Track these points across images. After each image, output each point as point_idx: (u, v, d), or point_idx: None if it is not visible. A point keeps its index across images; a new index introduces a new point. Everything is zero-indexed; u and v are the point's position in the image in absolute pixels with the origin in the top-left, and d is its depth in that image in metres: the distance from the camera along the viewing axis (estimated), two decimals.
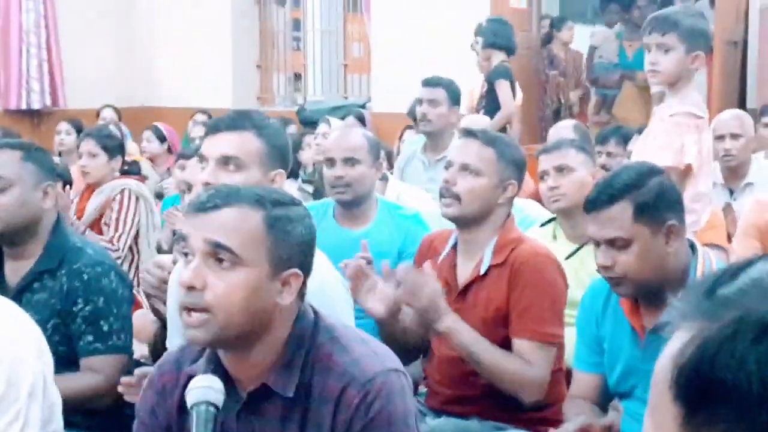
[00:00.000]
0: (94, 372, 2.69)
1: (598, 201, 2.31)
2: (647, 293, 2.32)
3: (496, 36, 6.52)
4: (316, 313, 1.83)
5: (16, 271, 2.75)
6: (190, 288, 1.69)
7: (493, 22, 6.74)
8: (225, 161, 2.37)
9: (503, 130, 5.92)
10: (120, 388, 2.34)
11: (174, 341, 2.54)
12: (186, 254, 1.73)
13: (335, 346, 1.78)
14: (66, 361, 2.61)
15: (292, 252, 1.75)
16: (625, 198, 2.28)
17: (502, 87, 6.29)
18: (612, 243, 2.29)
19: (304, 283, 1.78)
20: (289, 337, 1.77)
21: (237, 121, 2.41)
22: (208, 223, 1.71)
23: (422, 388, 3.11)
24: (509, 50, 6.53)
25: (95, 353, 2.70)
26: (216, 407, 1.66)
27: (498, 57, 6.43)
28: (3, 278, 2.76)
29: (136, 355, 2.98)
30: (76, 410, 2.51)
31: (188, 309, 1.70)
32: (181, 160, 5.29)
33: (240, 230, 1.70)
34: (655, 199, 2.29)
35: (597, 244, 2.33)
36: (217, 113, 8.86)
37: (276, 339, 1.76)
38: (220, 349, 1.77)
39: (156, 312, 2.68)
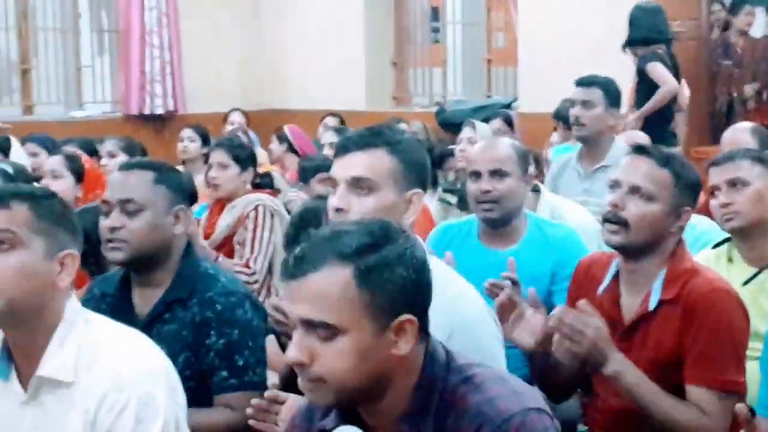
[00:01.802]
0: (229, 409, 2.74)
1: None
2: None
3: (639, 30, 6.43)
4: (448, 352, 1.85)
5: (145, 300, 2.82)
6: (300, 365, 1.74)
7: (638, 11, 6.64)
8: (356, 183, 2.40)
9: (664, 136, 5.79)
10: (248, 411, 2.38)
11: None
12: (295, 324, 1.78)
13: (469, 387, 1.79)
14: (198, 396, 2.67)
15: (395, 299, 1.74)
16: None
17: (656, 68, 6.19)
18: None
19: (422, 325, 1.79)
20: (419, 383, 1.79)
21: (367, 138, 2.44)
22: (299, 295, 1.73)
23: (581, 427, 3.08)
24: (658, 41, 6.42)
25: (230, 390, 2.74)
26: None
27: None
28: (132, 307, 2.84)
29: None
30: None
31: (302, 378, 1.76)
32: (321, 173, 5.38)
33: (329, 298, 1.71)
34: None
35: None
36: (349, 116, 9.10)
37: (403, 387, 1.79)
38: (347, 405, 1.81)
39: (284, 347, 2.74)
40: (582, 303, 2.59)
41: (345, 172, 2.42)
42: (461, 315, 2.33)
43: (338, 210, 2.39)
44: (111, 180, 2.90)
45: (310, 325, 1.72)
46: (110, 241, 2.79)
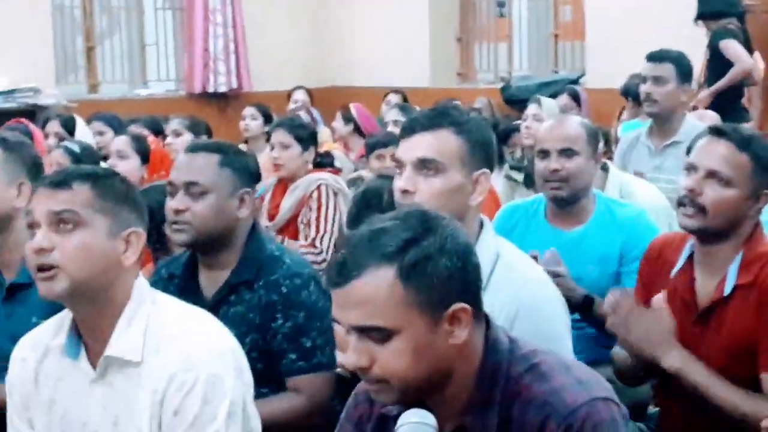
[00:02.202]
0: (298, 393, 2.77)
1: None
2: None
3: (710, 3, 6.32)
4: (512, 340, 1.84)
5: (212, 281, 2.85)
6: (361, 370, 1.74)
7: None
8: (422, 165, 2.39)
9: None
10: None
11: None
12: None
13: (534, 376, 1.78)
14: (265, 378, 2.69)
15: (443, 290, 1.73)
16: None
17: (730, 46, 6.07)
18: None
19: (476, 309, 1.78)
20: (482, 372, 1.79)
21: (433, 119, 2.43)
22: (346, 302, 1.72)
23: (652, 409, 3.05)
24: (730, 15, 6.30)
25: (299, 372, 2.77)
26: None
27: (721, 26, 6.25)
28: (199, 289, 2.87)
29: None
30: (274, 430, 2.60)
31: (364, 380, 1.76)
32: (378, 149, 5.40)
33: (377, 302, 1.70)
34: None
35: None
36: (413, 93, 9.07)
37: (465, 376, 1.78)
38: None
39: None
40: (656, 299, 2.57)
41: (411, 153, 2.41)
42: (528, 298, 2.32)
43: (405, 192, 2.38)
44: (177, 162, 2.93)
45: (362, 330, 1.72)
46: (175, 222, 2.82)
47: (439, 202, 2.33)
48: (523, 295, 2.29)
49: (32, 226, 2.14)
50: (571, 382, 1.77)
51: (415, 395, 1.76)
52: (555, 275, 3.00)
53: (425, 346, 1.72)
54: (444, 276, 1.73)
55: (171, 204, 2.83)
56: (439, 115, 2.45)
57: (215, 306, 2.79)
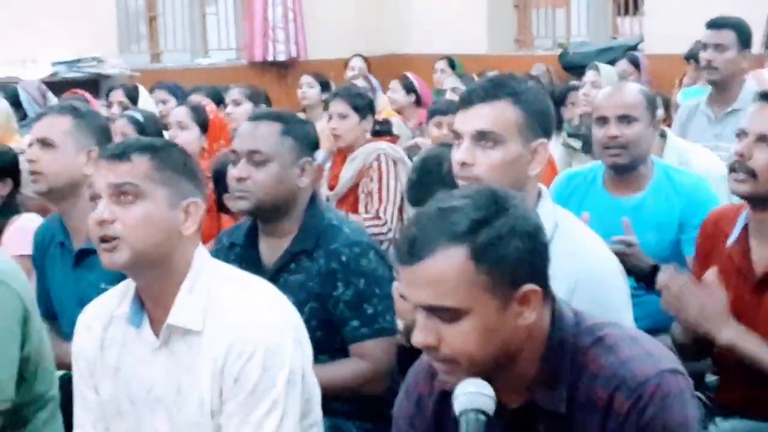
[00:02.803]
0: (362, 358, 2.79)
1: None
2: None
3: None
4: (576, 313, 1.83)
5: (272, 250, 2.87)
6: (428, 348, 1.72)
7: None
8: (480, 137, 2.37)
9: None
10: None
11: None
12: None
13: (601, 349, 1.77)
14: (323, 347, 2.71)
15: (514, 271, 1.71)
16: None
17: None
18: None
19: (545, 289, 1.76)
20: (548, 347, 1.77)
21: (490, 90, 2.40)
22: (416, 281, 1.69)
23: (709, 377, 3.02)
24: None
25: (362, 338, 2.79)
26: (486, 415, 1.69)
27: None
28: (259, 257, 2.89)
29: None
30: (337, 398, 2.63)
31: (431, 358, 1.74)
32: (437, 116, 5.38)
33: (448, 282, 1.68)
34: None
35: None
36: (470, 59, 9.00)
37: (533, 353, 1.77)
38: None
39: None
40: (708, 274, 2.55)
41: (469, 125, 2.39)
42: (588, 268, 2.29)
43: (463, 164, 2.37)
44: (240, 130, 2.94)
45: (431, 309, 1.70)
46: (237, 190, 2.83)
47: (497, 174, 2.31)
48: (582, 265, 2.27)
49: (94, 198, 2.16)
50: (639, 353, 1.76)
51: (482, 374, 1.74)
52: (628, 244, 2.98)
53: (494, 326, 1.71)
54: (515, 257, 1.70)
55: (233, 172, 2.85)
56: (497, 86, 2.42)
57: (275, 274, 2.81)
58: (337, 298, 2.79)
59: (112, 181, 2.13)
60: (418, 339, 1.72)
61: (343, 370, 2.76)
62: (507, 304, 1.71)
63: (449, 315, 1.69)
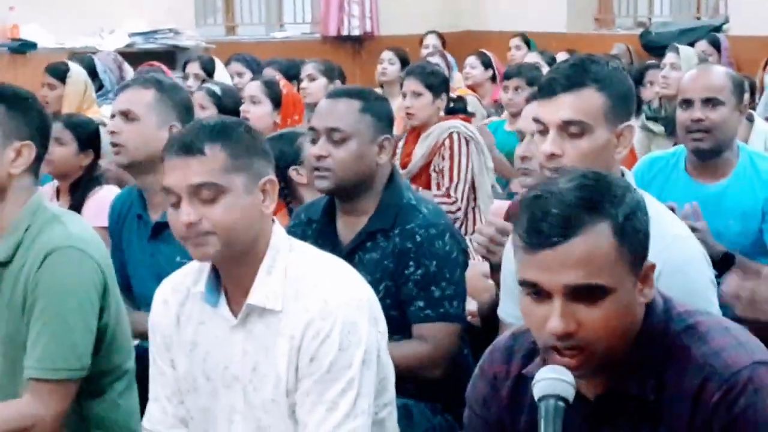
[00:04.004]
0: (422, 340, 2.78)
1: None
2: None
3: None
4: (666, 299, 1.80)
5: (349, 228, 2.87)
6: (567, 335, 1.68)
7: None
8: (567, 127, 2.33)
9: None
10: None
11: (507, 309, 2.59)
12: (537, 293, 1.70)
13: (692, 337, 1.74)
14: (398, 326, 2.70)
15: (643, 246, 1.72)
16: None
17: None
18: None
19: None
20: (639, 333, 1.74)
21: (573, 78, 2.35)
22: (561, 262, 1.65)
23: None
24: None
25: (426, 320, 2.78)
26: (566, 401, 1.67)
27: None
28: (336, 235, 2.89)
29: None
30: (404, 378, 2.61)
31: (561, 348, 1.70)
32: (504, 81, 5.32)
33: (598, 259, 1.66)
34: None
35: None
36: (548, 37, 8.92)
37: (630, 337, 1.74)
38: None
39: (492, 274, 2.74)
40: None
41: (555, 116, 2.35)
42: (673, 254, 2.25)
43: (552, 156, 2.33)
44: (318, 108, 2.94)
45: (576, 291, 1.66)
46: (317, 168, 2.84)
47: (586, 162, 2.28)
48: (667, 251, 2.22)
49: (169, 193, 2.14)
50: (732, 343, 1.73)
51: (609, 360, 1.71)
52: (692, 230, 2.93)
53: (630, 305, 1.71)
54: (643, 231, 1.72)
55: (313, 150, 2.85)
56: (580, 72, 2.36)
57: (351, 252, 2.82)
58: (407, 277, 2.78)
59: (190, 182, 2.11)
60: (557, 326, 1.67)
61: (403, 349, 2.72)
62: (635, 281, 1.71)
63: (596, 295, 1.67)
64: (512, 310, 2.49)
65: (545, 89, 2.40)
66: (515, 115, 5.90)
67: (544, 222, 1.67)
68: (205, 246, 2.13)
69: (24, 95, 2.57)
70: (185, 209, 2.11)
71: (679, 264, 2.27)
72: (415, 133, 5.14)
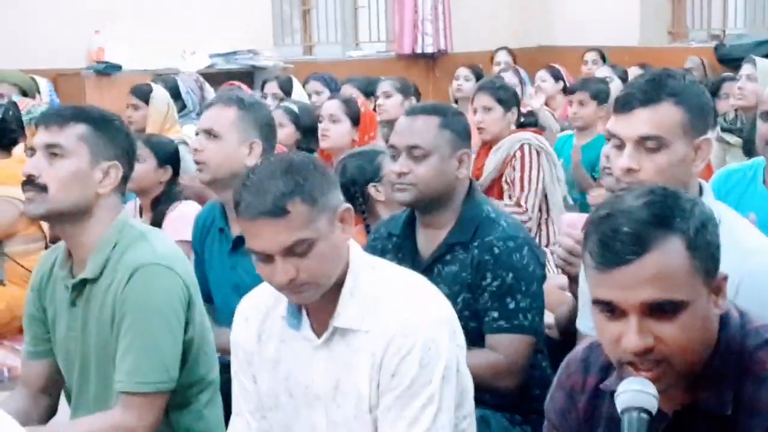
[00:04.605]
0: (494, 350, 2.76)
1: None
2: None
3: None
4: (742, 314, 1.77)
5: (429, 241, 2.87)
6: (644, 351, 1.66)
7: None
8: (643, 142, 2.30)
9: None
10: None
11: (586, 321, 2.56)
12: (611, 311, 1.68)
13: None
14: (476, 338, 2.71)
15: (714, 258, 1.70)
16: None
17: None
18: None
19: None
20: (716, 346, 1.72)
21: (650, 93, 2.31)
22: (635, 279, 1.63)
23: None
24: None
25: (498, 331, 2.76)
26: (649, 414, 1.65)
27: None
28: (416, 248, 2.90)
29: None
30: (482, 389, 2.59)
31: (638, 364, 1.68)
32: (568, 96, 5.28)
33: (673, 274, 1.64)
34: None
35: None
36: (620, 52, 8.84)
37: (706, 352, 1.72)
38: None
39: (570, 286, 2.72)
40: None
41: (631, 131, 2.31)
42: (752, 267, 2.21)
43: (629, 170, 2.30)
44: (398, 125, 2.95)
45: (652, 307, 1.65)
46: (397, 183, 2.85)
47: (664, 176, 2.24)
48: (746, 264, 2.18)
49: (266, 258, 2.11)
50: None
51: (690, 373, 1.69)
52: None
53: (705, 317, 1.69)
54: (714, 244, 1.70)
55: (394, 167, 2.87)
56: (657, 87, 2.33)
57: (430, 265, 2.82)
58: (483, 288, 2.78)
59: (283, 245, 2.07)
60: (635, 343, 1.65)
61: (474, 358, 2.65)
62: (709, 293, 1.69)
63: (672, 310, 1.65)
64: (591, 323, 2.46)
65: (622, 104, 2.37)
66: (582, 129, 5.88)
67: (615, 241, 1.65)
68: (303, 293, 2.13)
69: (111, 117, 2.61)
70: (281, 268, 2.09)
71: (759, 278, 2.22)
72: (487, 147, 5.14)
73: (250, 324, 2.30)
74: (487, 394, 2.67)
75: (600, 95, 5.84)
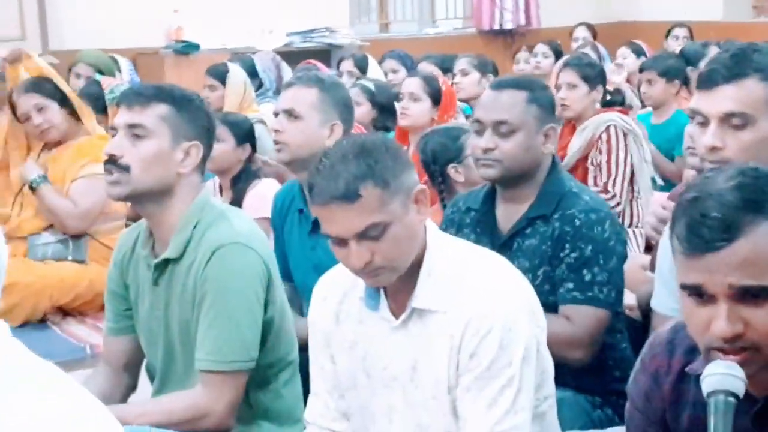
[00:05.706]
0: (566, 320, 2.71)
1: None
2: None
3: None
4: None
5: (509, 215, 2.83)
6: (734, 337, 1.62)
7: None
8: (729, 119, 2.24)
9: None
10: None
11: (662, 300, 2.51)
12: (700, 295, 1.64)
13: None
14: (556, 311, 2.68)
15: None
16: None
17: None
18: None
19: None
20: None
21: (734, 68, 2.25)
22: (726, 265, 1.59)
23: None
24: None
25: (572, 302, 2.71)
26: (736, 397, 1.61)
27: None
28: (495, 222, 2.86)
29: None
30: (563, 371, 2.53)
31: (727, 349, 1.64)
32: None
33: (764, 262, 1.59)
34: None
35: None
36: (703, 27, 8.66)
37: None
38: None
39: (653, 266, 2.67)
40: None
41: (716, 108, 2.26)
42: None
43: (713, 148, 2.25)
44: (483, 100, 2.92)
45: (743, 292, 1.61)
46: (483, 159, 2.81)
47: (749, 154, 2.19)
48: None
49: (341, 243, 2.09)
50: None
51: None
52: None
53: None
54: None
55: (480, 143, 2.81)
56: (741, 62, 2.26)
57: (509, 239, 2.79)
58: (561, 260, 2.73)
59: (356, 230, 2.05)
60: (725, 329, 1.61)
61: (553, 325, 2.56)
62: None
63: (763, 296, 1.60)
64: (668, 302, 2.42)
65: (705, 80, 2.31)
66: (656, 108, 5.76)
67: (704, 226, 1.61)
68: (379, 276, 2.11)
69: (191, 96, 2.63)
70: (356, 252, 2.07)
71: None
72: (570, 125, 5.06)
73: (328, 304, 2.29)
74: (568, 376, 2.62)
75: (670, 72, 5.69)
